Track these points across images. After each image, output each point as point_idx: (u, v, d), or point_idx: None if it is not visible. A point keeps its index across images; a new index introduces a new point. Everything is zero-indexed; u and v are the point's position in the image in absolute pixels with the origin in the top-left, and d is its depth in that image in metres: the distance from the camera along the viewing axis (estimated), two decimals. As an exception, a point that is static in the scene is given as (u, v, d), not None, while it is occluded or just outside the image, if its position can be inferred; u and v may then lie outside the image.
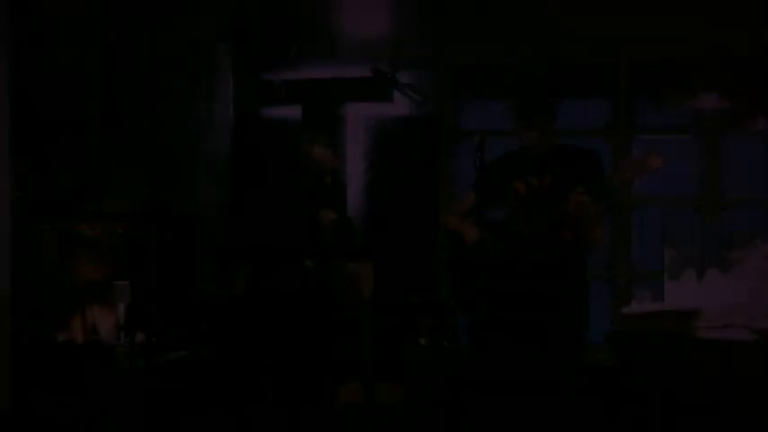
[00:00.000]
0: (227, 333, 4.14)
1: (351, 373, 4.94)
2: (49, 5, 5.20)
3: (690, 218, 5.98)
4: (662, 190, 6.08)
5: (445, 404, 5.05)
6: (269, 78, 6.30)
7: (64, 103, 5.31)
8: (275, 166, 6.09)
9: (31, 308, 4.87)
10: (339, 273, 4.76)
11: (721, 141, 5.95)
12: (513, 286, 4.58)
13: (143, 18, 5.83)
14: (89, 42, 5.45)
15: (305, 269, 4.54)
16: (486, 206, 5.03)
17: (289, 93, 6.21)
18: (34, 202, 4.84)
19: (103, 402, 2.68)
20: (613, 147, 6.07)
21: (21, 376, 4.35)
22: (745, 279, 4.59)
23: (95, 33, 5.50)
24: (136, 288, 5.30)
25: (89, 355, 2.75)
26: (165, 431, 5.09)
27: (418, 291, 5.49)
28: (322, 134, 5.26)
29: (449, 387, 5.08)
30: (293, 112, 6.31)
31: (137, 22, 5.79)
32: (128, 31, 5.72)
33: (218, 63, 6.46)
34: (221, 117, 6.49)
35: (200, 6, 6.31)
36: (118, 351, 5.07)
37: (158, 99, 5.96)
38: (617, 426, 4.17)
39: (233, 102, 6.56)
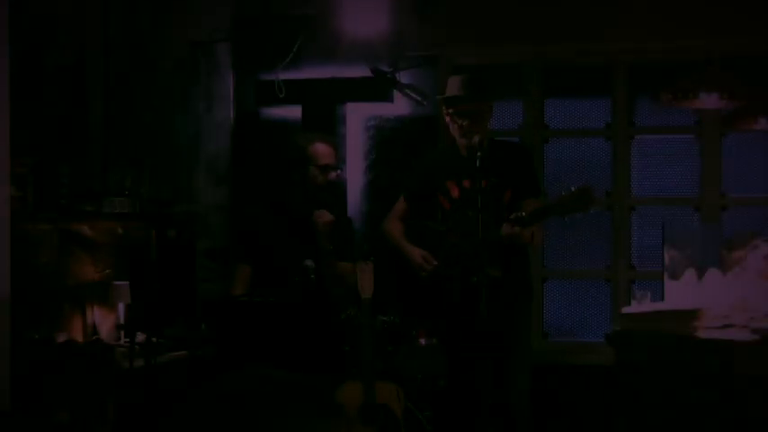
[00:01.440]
0: (226, 333, 4.14)
1: (351, 373, 4.94)
2: (50, 4, 5.20)
3: (690, 218, 5.98)
4: (662, 190, 6.08)
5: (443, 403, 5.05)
6: (269, 78, 6.30)
7: (64, 102, 5.31)
8: (275, 165, 6.09)
9: (31, 308, 4.86)
10: (338, 273, 4.75)
11: (721, 141, 5.96)
12: (456, 299, 4.52)
13: (144, 18, 5.83)
14: (90, 42, 5.45)
15: (305, 269, 4.53)
16: (416, 208, 4.98)
17: (289, 93, 6.21)
18: (34, 202, 4.83)
19: (103, 402, 2.68)
20: (613, 147, 6.07)
21: (21, 376, 4.35)
22: (745, 279, 4.59)
23: (96, 33, 5.50)
24: (136, 288, 5.29)
25: (89, 355, 2.75)
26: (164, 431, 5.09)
27: (418, 291, 5.48)
28: (321, 131, 5.23)
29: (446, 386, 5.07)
30: (293, 112, 6.31)
31: (137, 22, 5.78)
32: (128, 31, 5.72)
33: (218, 63, 6.46)
34: (221, 117, 6.49)
35: (200, 6, 6.31)
36: (118, 351, 5.07)
37: (158, 99, 5.96)
38: (617, 426, 4.17)
39: (233, 102, 6.56)
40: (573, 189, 4.31)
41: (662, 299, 4.64)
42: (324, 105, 6.22)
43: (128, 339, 5.05)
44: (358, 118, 6.31)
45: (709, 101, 4.72)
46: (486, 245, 4.22)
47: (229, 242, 6.13)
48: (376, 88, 6.11)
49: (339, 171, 4.90)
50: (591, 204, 4.20)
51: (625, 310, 4.51)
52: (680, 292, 4.54)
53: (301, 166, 4.84)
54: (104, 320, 5.34)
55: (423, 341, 5.54)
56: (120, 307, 5.32)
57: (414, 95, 5.96)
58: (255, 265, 4.87)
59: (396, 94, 6.08)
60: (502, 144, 4.91)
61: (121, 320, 5.31)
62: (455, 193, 4.63)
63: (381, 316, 5.36)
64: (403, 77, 5.98)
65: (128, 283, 5.32)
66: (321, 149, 4.85)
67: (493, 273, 4.37)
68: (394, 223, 4.89)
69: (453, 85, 4.65)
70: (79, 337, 5.13)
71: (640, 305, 4.43)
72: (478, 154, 4.37)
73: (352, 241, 5.03)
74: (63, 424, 2.71)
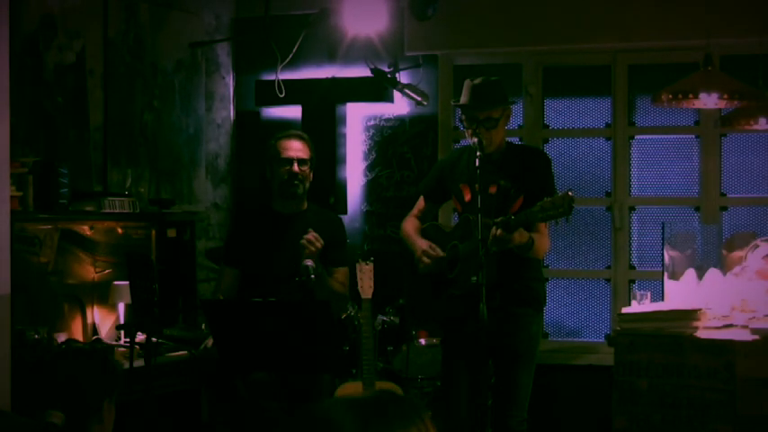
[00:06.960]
0: (226, 333, 4.13)
1: (351, 373, 4.94)
2: (50, 4, 5.20)
3: (690, 218, 5.97)
4: (662, 190, 6.08)
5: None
6: (269, 78, 6.30)
7: (64, 102, 5.31)
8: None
9: (31, 308, 4.87)
10: (327, 288, 4.72)
11: (721, 141, 5.96)
12: (458, 304, 4.46)
13: (144, 17, 5.83)
14: (90, 42, 5.45)
15: (305, 269, 4.52)
16: (434, 208, 4.94)
17: (289, 93, 6.21)
18: (34, 202, 4.83)
19: (102, 403, 2.69)
20: (613, 147, 6.07)
21: (21, 376, 4.35)
22: (745, 279, 4.59)
23: (96, 33, 5.50)
24: (136, 288, 5.29)
25: (89, 355, 2.75)
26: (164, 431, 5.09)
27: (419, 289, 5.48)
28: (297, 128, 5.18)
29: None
30: (293, 111, 6.31)
31: (137, 22, 5.78)
32: (128, 31, 5.72)
33: (218, 63, 6.46)
34: (221, 117, 6.49)
35: (200, 6, 6.31)
36: (118, 351, 5.07)
37: (158, 99, 5.96)
38: (617, 426, 4.17)
39: (233, 102, 6.56)
40: (549, 198, 4.18)
41: (662, 299, 4.64)
42: (324, 105, 6.22)
43: (128, 339, 5.05)
44: (358, 118, 6.31)
45: (709, 101, 4.72)
46: (484, 248, 4.18)
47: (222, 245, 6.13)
48: (376, 88, 6.11)
49: (306, 167, 4.84)
50: (571, 210, 4.09)
51: (625, 310, 4.51)
52: (680, 292, 4.55)
53: (270, 161, 4.86)
54: (104, 320, 5.34)
55: (423, 341, 5.54)
56: (120, 307, 5.32)
57: (414, 95, 5.95)
58: (245, 268, 4.83)
59: (396, 94, 6.08)
60: (520, 149, 4.83)
61: (121, 320, 5.31)
62: (467, 196, 4.56)
63: (381, 316, 5.36)
64: (403, 77, 5.98)
65: (128, 283, 5.32)
66: (286, 143, 4.83)
67: (490, 275, 4.30)
68: (410, 220, 4.84)
69: (464, 91, 4.58)
70: (79, 337, 5.13)
71: (640, 305, 4.44)
72: (478, 154, 4.34)
73: (344, 244, 4.98)
74: (57, 425, 2.70)
